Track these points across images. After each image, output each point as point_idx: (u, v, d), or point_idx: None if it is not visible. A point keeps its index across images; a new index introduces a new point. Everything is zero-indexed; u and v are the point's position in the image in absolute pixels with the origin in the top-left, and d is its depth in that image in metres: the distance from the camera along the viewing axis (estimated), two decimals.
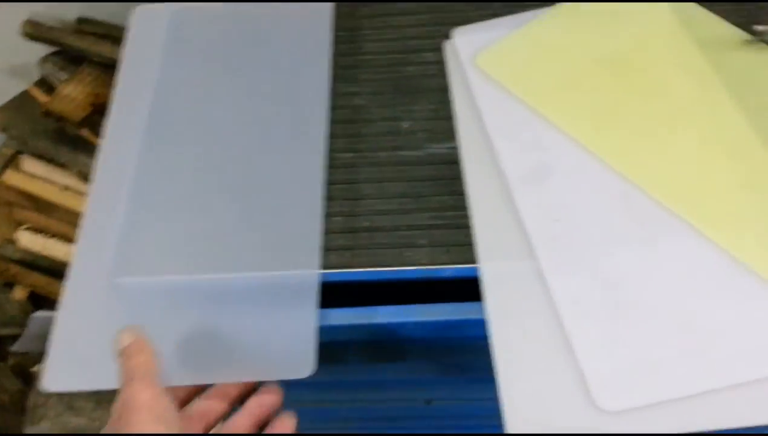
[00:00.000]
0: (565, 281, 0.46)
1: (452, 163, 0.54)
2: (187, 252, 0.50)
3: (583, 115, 0.54)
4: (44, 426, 0.91)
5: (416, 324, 0.49)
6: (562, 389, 0.43)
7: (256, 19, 0.64)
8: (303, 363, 0.44)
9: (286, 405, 0.46)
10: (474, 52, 0.59)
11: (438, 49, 0.61)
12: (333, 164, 0.55)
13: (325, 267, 0.49)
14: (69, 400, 0.93)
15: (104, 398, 0.93)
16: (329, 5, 0.64)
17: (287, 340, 0.45)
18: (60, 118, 0.90)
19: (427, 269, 0.49)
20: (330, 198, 0.53)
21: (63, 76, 0.93)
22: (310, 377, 0.72)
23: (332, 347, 0.53)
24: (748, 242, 0.47)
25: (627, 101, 0.55)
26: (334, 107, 0.58)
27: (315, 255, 0.49)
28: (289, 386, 0.71)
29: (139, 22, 0.64)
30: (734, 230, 0.48)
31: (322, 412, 0.75)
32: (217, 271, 0.48)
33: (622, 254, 0.48)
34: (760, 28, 0.55)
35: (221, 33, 0.63)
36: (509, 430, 0.42)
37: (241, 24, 0.63)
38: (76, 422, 0.91)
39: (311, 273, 0.48)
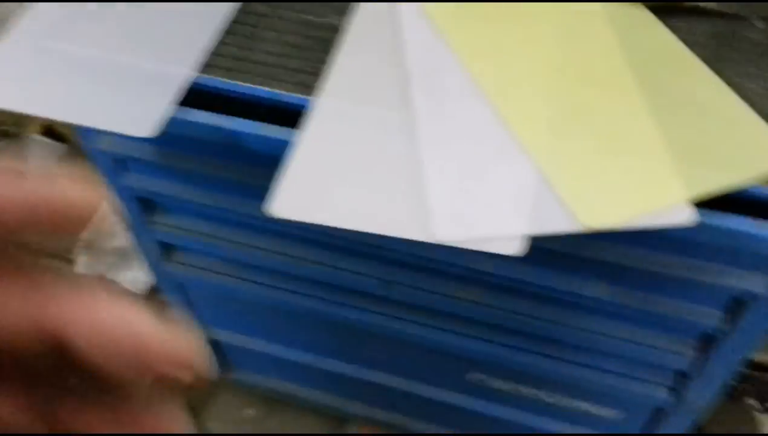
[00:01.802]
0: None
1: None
2: (93, 27, 0.58)
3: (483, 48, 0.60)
4: None
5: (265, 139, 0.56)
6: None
7: None
8: (144, 125, 0.51)
9: None
10: None
11: None
12: (245, 10, 0.63)
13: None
14: None
15: None
16: None
17: (138, 105, 0.52)
18: None
19: (281, 94, 0.57)
20: (231, 32, 0.61)
21: None
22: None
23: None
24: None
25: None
26: None
27: (192, 59, 0.57)
28: None
29: None
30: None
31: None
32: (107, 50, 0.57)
33: None
34: None
35: None
36: None
37: None
38: None
39: (181, 70, 0.56)
